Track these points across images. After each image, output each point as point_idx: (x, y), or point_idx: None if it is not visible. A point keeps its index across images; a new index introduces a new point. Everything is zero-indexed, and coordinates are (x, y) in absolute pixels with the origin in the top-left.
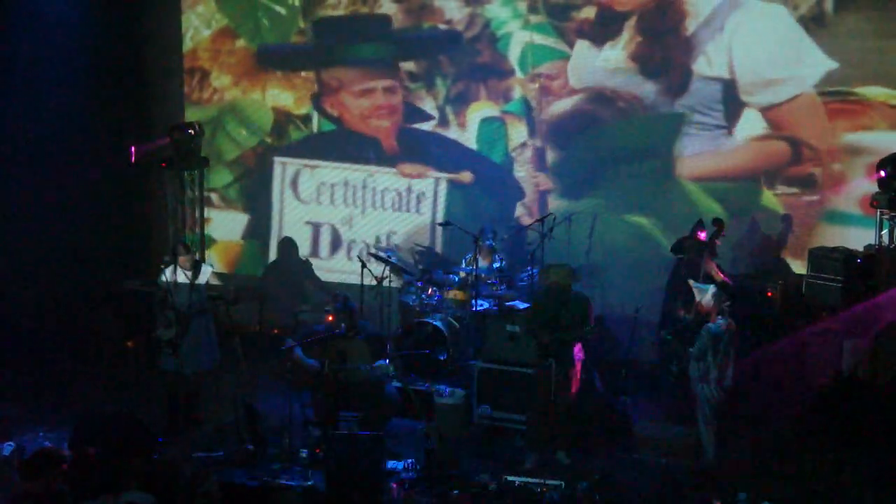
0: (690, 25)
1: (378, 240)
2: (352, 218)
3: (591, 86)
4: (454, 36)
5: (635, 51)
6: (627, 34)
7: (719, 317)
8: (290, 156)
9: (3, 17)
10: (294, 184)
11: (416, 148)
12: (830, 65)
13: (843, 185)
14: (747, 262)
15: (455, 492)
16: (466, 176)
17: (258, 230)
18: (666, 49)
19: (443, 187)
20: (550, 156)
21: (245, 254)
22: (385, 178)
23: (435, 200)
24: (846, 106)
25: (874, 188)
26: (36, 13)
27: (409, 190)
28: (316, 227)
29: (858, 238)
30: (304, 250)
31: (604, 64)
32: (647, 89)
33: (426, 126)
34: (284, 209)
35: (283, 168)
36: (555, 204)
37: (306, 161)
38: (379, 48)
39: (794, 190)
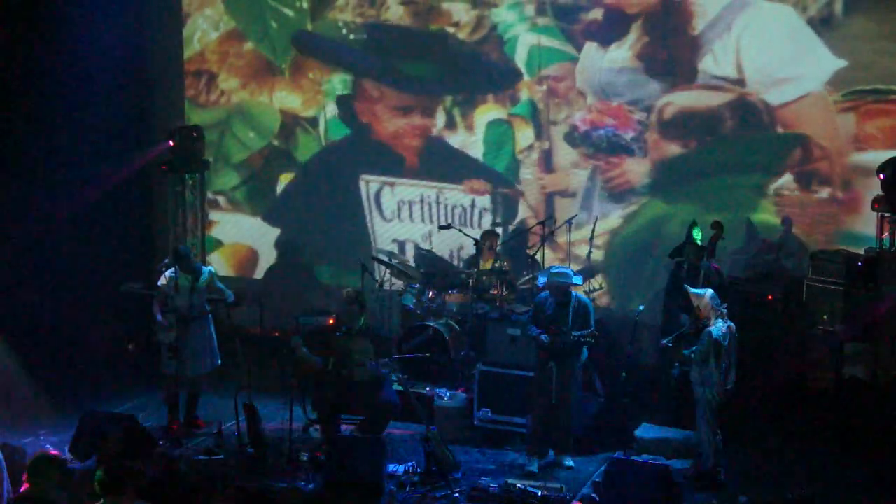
0: (698, 25)
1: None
2: (431, 234)
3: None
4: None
5: (641, 51)
6: (634, 35)
7: (719, 320)
8: (312, 166)
9: (5, 23)
10: (378, 201)
11: (436, 163)
12: (839, 63)
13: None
14: (746, 265)
15: (456, 495)
16: (515, 190)
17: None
18: (672, 49)
19: (500, 202)
20: (657, 149)
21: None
22: (453, 195)
23: (494, 214)
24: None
25: None
26: (39, 19)
27: (472, 205)
28: (401, 245)
29: None
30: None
31: (610, 64)
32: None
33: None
34: (375, 227)
35: (367, 185)
36: (643, 199)
37: (386, 178)
38: (429, 68)
39: (804, 189)
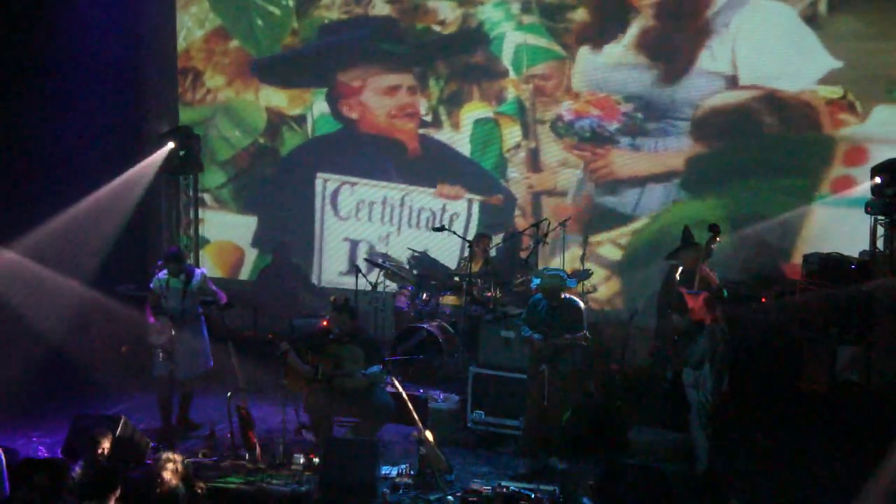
0: (698, 21)
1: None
2: (388, 235)
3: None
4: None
5: (640, 46)
6: (633, 31)
7: (714, 324)
8: (299, 159)
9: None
10: (334, 200)
11: (435, 153)
12: (835, 64)
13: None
14: (741, 267)
15: (449, 497)
16: (498, 199)
17: (298, 246)
18: (671, 44)
19: (475, 208)
20: (693, 147)
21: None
22: (421, 198)
23: (468, 221)
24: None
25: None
26: (32, 17)
27: (443, 210)
28: (354, 244)
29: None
30: (342, 267)
31: (606, 59)
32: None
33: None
34: (325, 225)
35: (324, 184)
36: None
37: (347, 178)
38: (396, 45)
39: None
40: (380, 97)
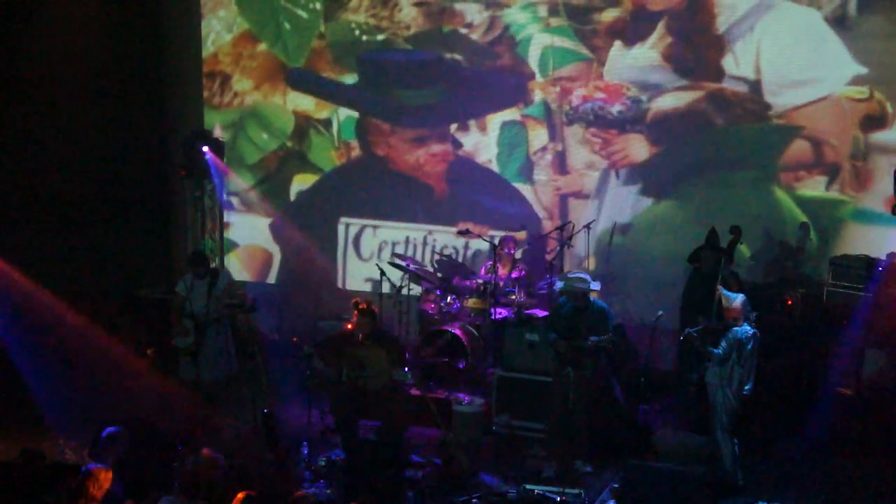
0: (721, 25)
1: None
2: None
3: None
4: (516, 73)
5: (665, 50)
6: (658, 34)
7: (746, 324)
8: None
9: (25, 24)
10: (357, 242)
11: (461, 192)
12: (859, 69)
13: (871, 184)
14: (766, 270)
15: (474, 500)
16: (522, 234)
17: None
18: (696, 49)
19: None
20: (646, 151)
21: None
22: (444, 237)
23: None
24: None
25: None
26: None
27: (466, 247)
28: (375, 284)
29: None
30: None
31: (633, 62)
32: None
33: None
34: (347, 267)
35: (346, 228)
36: (636, 200)
37: (369, 221)
38: (431, 93)
39: (820, 191)
40: (408, 145)
